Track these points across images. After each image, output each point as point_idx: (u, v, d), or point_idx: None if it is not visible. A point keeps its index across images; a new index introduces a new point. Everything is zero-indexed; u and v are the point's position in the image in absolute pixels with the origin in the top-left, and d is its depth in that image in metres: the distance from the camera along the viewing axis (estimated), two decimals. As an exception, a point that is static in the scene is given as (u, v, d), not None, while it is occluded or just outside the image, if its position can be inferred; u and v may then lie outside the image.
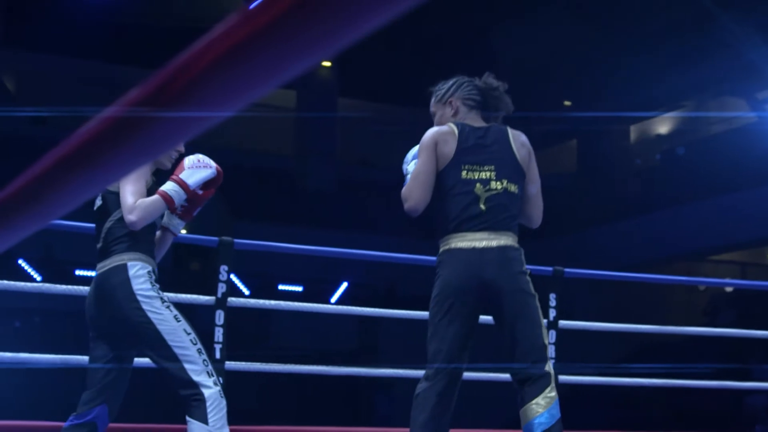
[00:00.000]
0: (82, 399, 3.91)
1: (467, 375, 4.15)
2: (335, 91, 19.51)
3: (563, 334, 6.00)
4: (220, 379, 5.06)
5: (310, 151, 19.19)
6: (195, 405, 3.72)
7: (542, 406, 3.86)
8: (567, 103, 19.79)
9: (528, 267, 4.04)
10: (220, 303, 5.23)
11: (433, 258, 4.19)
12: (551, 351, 5.87)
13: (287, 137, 19.81)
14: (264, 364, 5.70)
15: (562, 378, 5.96)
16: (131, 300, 3.76)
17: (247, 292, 15.23)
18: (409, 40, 16.34)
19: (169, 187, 3.83)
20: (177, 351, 3.74)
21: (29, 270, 14.02)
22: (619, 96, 17.99)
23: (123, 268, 3.79)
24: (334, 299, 16.32)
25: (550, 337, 5.89)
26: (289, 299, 6.73)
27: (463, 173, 3.98)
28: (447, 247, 3.97)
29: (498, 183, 3.98)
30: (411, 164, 4.09)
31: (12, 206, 1.26)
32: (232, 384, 5.21)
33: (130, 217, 3.75)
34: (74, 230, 5.22)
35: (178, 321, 3.79)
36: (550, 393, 3.91)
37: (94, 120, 1.03)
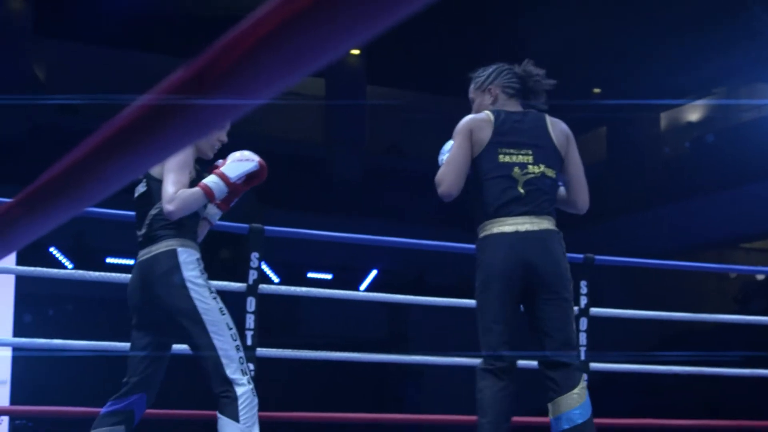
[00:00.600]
0: (122, 385, 3.93)
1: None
2: (364, 78, 19.50)
3: (594, 322, 5.99)
4: (252, 370, 5.10)
5: (338, 139, 19.20)
6: (227, 402, 3.72)
7: (577, 400, 3.85)
8: (596, 90, 19.70)
9: None
10: (251, 290, 5.25)
11: (462, 245, 4.20)
12: (582, 338, 5.87)
13: (316, 125, 19.83)
14: (294, 350, 5.72)
15: (593, 366, 5.95)
16: (181, 286, 3.76)
17: (276, 279, 15.26)
18: (437, 28, 16.30)
19: (210, 180, 3.83)
20: (217, 344, 3.74)
21: (60, 258, 14.09)
22: (649, 83, 17.90)
23: (173, 254, 3.80)
24: (363, 287, 16.34)
25: (581, 324, 5.89)
26: (318, 287, 6.75)
27: (500, 157, 3.96)
28: (488, 232, 3.94)
29: (536, 167, 3.96)
30: (446, 155, 4.08)
31: (50, 192, 1.27)
32: (262, 371, 5.23)
33: (169, 207, 3.75)
34: (105, 217, 5.26)
35: (223, 314, 3.79)
36: (584, 386, 3.90)
37: (131, 107, 1.04)
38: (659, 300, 10.63)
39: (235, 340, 3.78)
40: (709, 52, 16.31)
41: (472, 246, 4.21)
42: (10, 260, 6.74)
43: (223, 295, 4.01)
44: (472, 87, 4.22)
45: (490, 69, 4.19)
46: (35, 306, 12.55)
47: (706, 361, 6.74)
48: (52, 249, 13.94)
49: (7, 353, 10.89)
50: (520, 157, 3.97)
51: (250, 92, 0.92)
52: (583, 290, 5.91)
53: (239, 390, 3.72)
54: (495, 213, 3.93)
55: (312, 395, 12.69)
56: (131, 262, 13.99)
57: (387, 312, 16.22)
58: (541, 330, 3.91)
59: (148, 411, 4.04)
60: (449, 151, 4.04)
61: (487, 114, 4.05)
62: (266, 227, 5.33)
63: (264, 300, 5.31)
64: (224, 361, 3.73)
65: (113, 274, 5.07)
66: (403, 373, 15.86)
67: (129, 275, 5.32)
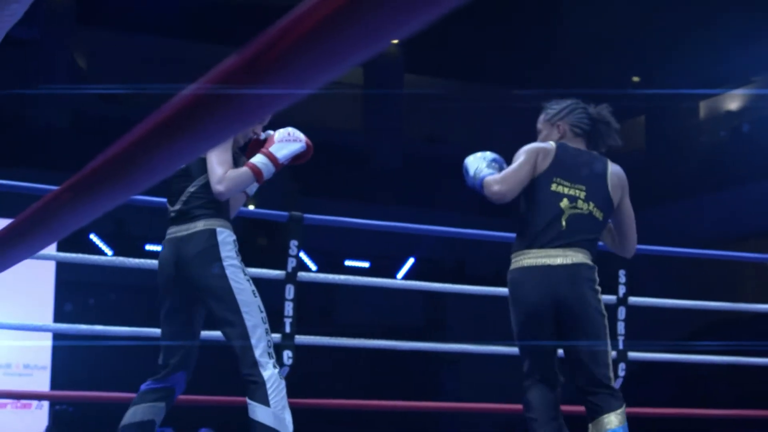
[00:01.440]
0: (160, 367, 3.96)
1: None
2: (402, 67, 19.48)
3: (632, 311, 5.98)
4: (290, 357, 5.13)
5: (376, 128, 19.20)
6: (255, 387, 3.73)
7: (617, 422, 3.87)
8: (635, 79, 19.59)
9: (598, 244, 4.06)
10: (290, 277, 5.27)
11: (501, 234, 4.21)
12: (620, 327, 5.86)
13: (354, 114, 19.84)
14: (332, 338, 5.74)
15: (631, 355, 5.94)
16: (218, 266, 3.76)
17: (314, 267, 15.30)
18: (475, 15, 16.25)
19: (259, 160, 3.82)
20: (248, 326, 3.75)
21: (101, 245, 14.18)
22: (689, 72, 17.78)
23: (212, 234, 3.80)
24: (400, 275, 16.35)
25: (620, 313, 5.88)
26: (355, 275, 6.76)
27: (553, 186, 3.99)
28: (519, 264, 3.98)
29: (585, 204, 3.99)
30: (477, 169, 4.09)
31: (96, 180, 1.29)
32: (300, 358, 5.26)
33: (219, 188, 3.76)
34: (145, 205, 5.29)
35: (255, 296, 3.81)
36: (623, 410, 3.92)
37: (179, 96, 1.06)
38: (697, 289, 10.58)
39: (265, 324, 3.79)
40: (749, 40, 16.18)
41: (512, 234, 4.23)
42: (50, 247, 6.81)
43: (260, 282, 4.04)
44: (542, 118, 4.26)
45: (564, 104, 4.22)
46: (76, 294, 12.65)
47: (743, 350, 6.71)
48: (92, 236, 14.03)
49: (47, 341, 11.00)
50: (573, 191, 4.00)
51: (298, 81, 0.93)
52: (622, 279, 5.90)
53: (266, 374, 3.73)
54: (531, 243, 3.97)
55: (349, 383, 12.72)
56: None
57: (424, 300, 16.23)
58: (570, 362, 3.97)
59: (181, 397, 4.07)
60: (481, 165, 4.06)
61: (551, 144, 4.09)
62: (305, 215, 5.35)
63: (301, 288, 5.33)
64: (254, 342, 3.74)
65: (153, 261, 5.10)
66: (440, 361, 15.86)
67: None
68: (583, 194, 3.99)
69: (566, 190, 3.99)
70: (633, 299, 6.01)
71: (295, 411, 5.48)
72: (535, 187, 4.01)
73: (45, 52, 16.39)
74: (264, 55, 0.91)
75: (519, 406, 4.20)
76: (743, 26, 15.90)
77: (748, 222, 16.35)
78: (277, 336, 5.22)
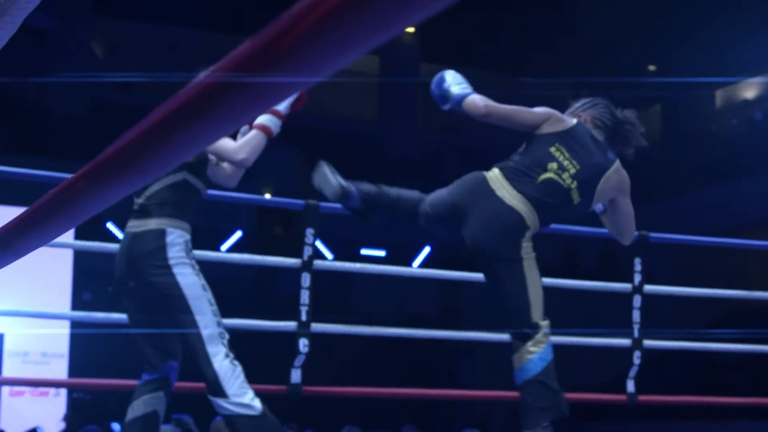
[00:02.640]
0: (149, 357, 3.98)
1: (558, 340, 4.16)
2: (418, 56, 19.46)
3: (647, 300, 5.97)
4: (306, 345, 5.14)
5: (393, 117, 19.19)
6: (211, 382, 3.74)
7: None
8: (651, 67, 19.53)
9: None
10: (306, 266, 5.28)
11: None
12: (636, 316, 5.87)
13: (371, 103, 19.82)
14: (348, 326, 5.76)
15: (647, 343, 5.93)
16: (163, 266, 3.78)
17: (330, 256, 15.31)
18: (492, 3, 16.23)
19: (263, 119, 3.84)
20: (198, 320, 3.76)
21: (118, 233, 14.21)
22: (704, 60, 17.72)
23: (161, 234, 3.82)
24: (416, 264, 16.35)
25: (635, 301, 5.88)
26: (371, 264, 6.78)
27: (552, 149, 4.05)
28: (484, 171, 4.09)
29: (570, 180, 4.02)
30: (460, 85, 4.16)
31: (112, 167, 1.31)
32: (316, 346, 5.27)
33: (240, 156, 3.77)
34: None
35: (205, 290, 3.81)
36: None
37: (193, 82, 1.06)
38: (712, 278, 10.57)
39: (216, 316, 3.80)
40: (765, 28, 16.11)
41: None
42: (68, 235, 6.84)
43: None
44: (566, 111, 4.27)
45: (587, 99, 4.28)
46: (93, 282, 12.68)
47: (760, 338, 6.70)
48: (109, 224, 14.06)
49: (65, 329, 11.05)
50: (567, 162, 4.03)
51: (313, 67, 0.93)
52: (637, 267, 5.90)
53: (217, 366, 3.73)
54: (510, 174, 4.02)
55: (365, 371, 12.75)
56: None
57: (440, 289, 16.22)
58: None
59: (197, 385, 4.10)
60: (456, 83, 4.14)
61: (571, 120, 4.15)
62: (321, 203, 5.36)
63: (317, 276, 5.34)
64: (205, 335, 3.75)
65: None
66: (455, 349, 15.87)
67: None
68: (573, 170, 4.02)
69: (561, 158, 4.03)
70: (648, 287, 6.00)
71: (312, 398, 5.51)
72: (537, 141, 4.07)
73: (62, 41, 16.43)
74: (278, 41, 0.91)
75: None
76: (759, 15, 15.83)
77: (766, 210, 16.31)
78: (293, 324, 5.24)
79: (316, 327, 5.33)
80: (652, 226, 6.36)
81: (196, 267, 3.87)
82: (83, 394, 10.39)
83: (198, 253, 5.72)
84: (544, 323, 3.98)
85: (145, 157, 1.23)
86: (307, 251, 5.29)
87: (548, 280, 6.35)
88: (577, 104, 4.28)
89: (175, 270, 3.79)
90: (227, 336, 3.82)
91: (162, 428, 6.23)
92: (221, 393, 3.73)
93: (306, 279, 5.26)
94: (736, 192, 16.69)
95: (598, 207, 4.34)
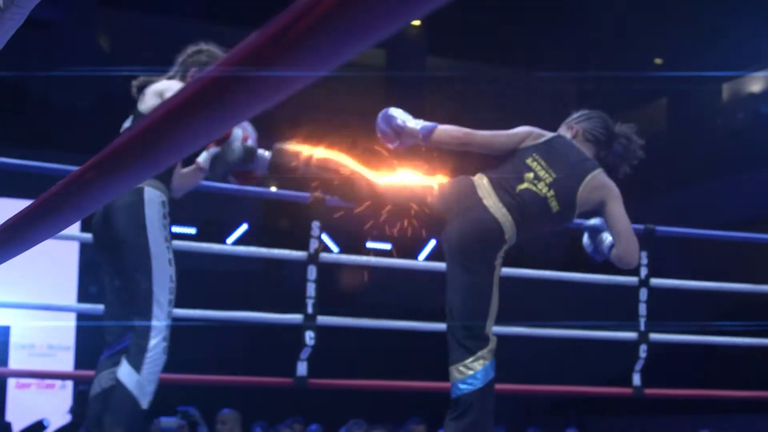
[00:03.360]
0: (111, 329, 3.98)
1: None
2: (424, 50, 19.44)
3: (654, 293, 5.97)
4: (312, 338, 5.15)
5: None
6: (136, 350, 3.74)
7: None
8: (658, 61, 19.50)
9: None
10: (312, 258, 5.28)
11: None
12: (642, 309, 5.87)
13: (377, 96, 19.81)
14: (354, 319, 5.76)
15: (654, 336, 5.93)
16: (139, 225, 3.79)
17: (336, 249, 15.31)
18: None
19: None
20: (155, 290, 3.76)
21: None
22: (711, 54, 17.70)
23: (139, 191, 3.82)
24: (422, 257, 16.35)
25: (641, 295, 5.89)
26: (377, 257, 6.76)
27: (528, 159, 4.08)
28: (473, 177, 4.09)
29: (546, 189, 4.04)
30: (410, 121, 4.18)
31: (119, 158, 1.31)
32: (322, 339, 5.28)
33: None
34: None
35: (171, 265, 3.82)
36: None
37: (202, 73, 1.06)
38: (718, 271, 10.56)
39: (171, 294, 3.81)
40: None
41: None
42: (74, 227, 6.85)
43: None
44: (563, 123, 4.32)
45: (584, 112, 4.30)
46: (100, 275, 12.69)
47: (766, 332, 6.69)
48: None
49: (71, 321, 11.06)
50: (543, 172, 4.06)
51: (321, 60, 0.93)
52: (644, 261, 5.89)
53: (152, 342, 3.74)
54: (495, 184, 4.04)
55: (373, 363, 12.76)
56: (193, 230, 13.99)
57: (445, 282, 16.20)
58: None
59: (203, 377, 4.10)
60: (409, 119, 4.16)
61: (550, 133, 4.18)
62: (327, 196, 5.36)
63: (322, 269, 5.34)
64: (155, 307, 3.75)
65: (179, 242, 5.12)
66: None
67: (189, 243, 5.39)
68: (549, 179, 4.04)
69: (537, 168, 4.05)
70: (654, 281, 6.00)
71: (317, 391, 5.52)
72: (516, 154, 4.09)
73: (68, 32, 16.43)
74: (287, 32, 0.91)
75: (542, 387, 4.22)
76: (766, 8, 15.81)
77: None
78: (299, 317, 5.24)
79: (323, 320, 5.34)
80: (658, 219, 6.36)
81: (169, 238, 3.87)
82: (89, 386, 10.40)
83: (204, 245, 5.75)
84: (493, 339, 3.96)
85: (153, 149, 1.23)
86: (313, 244, 5.29)
87: (554, 274, 6.38)
88: (574, 116, 4.31)
89: (149, 234, 3.79)
90: (170, 319, 3.81)
91: (168, 420, 6.26)
92: (138, 366, 3.73)
93: (312, 271, 5.27)
94: (742, 186, 16.67)
95: (593, 223, 4.36)
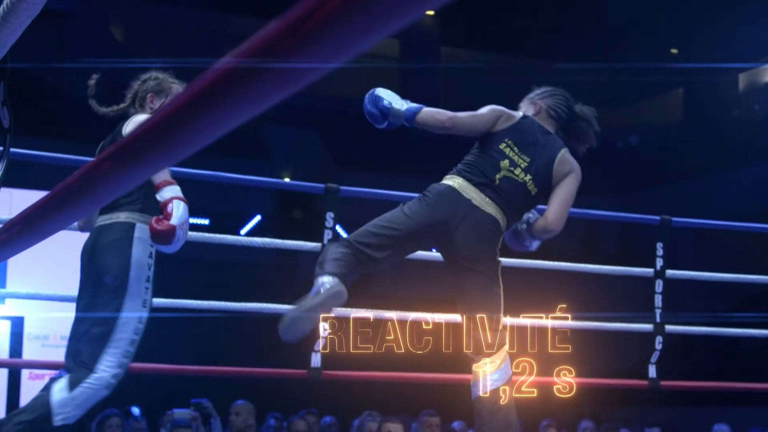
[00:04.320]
0: (75, 353, 3.86)
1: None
2: (439, 40, 19.42)
3: (670, 284, 5.95)
4: (326, 326, 5.14)
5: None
6: (81, 372, 3.68)
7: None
8: (674, 51, 19.45)
9: (635, 216, 4.06)
10: (326, 249, 5.26)
11: (539, 207, 4.21)
12: (658, 300, 5.85)
13: (391, 87, 19.79)
14: (367, 310, 5.75)
15: (668, 328, 5.91)
16: (122, 262, 3.73)
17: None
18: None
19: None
20: (118, 324, 3.70)
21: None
22: (727, 44, 17.64)
23: (130, 227, 3.78)
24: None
25: (657, 286, 5.87)
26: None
27: (502, 145, 4.11)
28: (447, 182, 4.10)
29: (523, 174, 4.08)
30: (398, 100, 4.18)
31: (135, 149, 1.30)
32: (335, 329, 5.26)
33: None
34: (177, 177, 5.29)
35: (144, 307, 3.75)
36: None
37: (219, 63, 1.05)
38: (733, 262, 10.53)
39: (137, 335, 3.74)
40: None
41: (544, 208, 4.25)
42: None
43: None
44: (524, 99, 4.36)
45: (547, 89, 4.33)
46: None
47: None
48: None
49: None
50: (517, 158, 4.09)
51: (338, 50, 0.92)
52: (659, 252, 5.87)
53: (98, 374, 3.68)
54: (474, 180, 4.07)
55: (385, 354, 12.75)
56: (206, 221, 13.98)
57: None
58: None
59: (214, 368, 4.09)
60: (397, 100, 4.15)
61: (518, 113, 4.21)
62: (341, 187, 5.35)
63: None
64: (113, 341, 3.70)
65: (193, 233, 5.11)
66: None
67: (202, 234, 5.37)
68: (524, 164, 4.07)
69: (511, 154, 4.08)
70: (670, 272, 5.98)
71: (331, 383, 5.51)
72: (487, 140, 4.11)
73: (81, 23, 16.44)
74: (302, 23, 0.90)
75: (552, 379, 4.22)
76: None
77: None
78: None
79: (336, 310, 5.32)
80: (673, 210, 6.33)
81: (151, 278, 3.80)
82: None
83: (218, 236, 5.74)
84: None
85: (169, 140, 1.23)
86: (327, 235, 5.28)
87: (568, 265, 6.36)
88: (537, 92, 4.33)
89: (131, 272, 3.73)
90: (130, 357, 3.76)
91: (181, 412, 6.25)
92: (73, 386, 3.67)
93: (326, 263, 5.24)
94: (758, 176, 16.62)
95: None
